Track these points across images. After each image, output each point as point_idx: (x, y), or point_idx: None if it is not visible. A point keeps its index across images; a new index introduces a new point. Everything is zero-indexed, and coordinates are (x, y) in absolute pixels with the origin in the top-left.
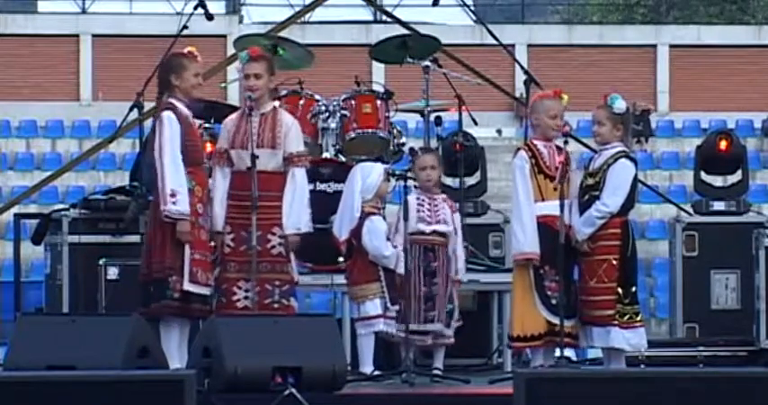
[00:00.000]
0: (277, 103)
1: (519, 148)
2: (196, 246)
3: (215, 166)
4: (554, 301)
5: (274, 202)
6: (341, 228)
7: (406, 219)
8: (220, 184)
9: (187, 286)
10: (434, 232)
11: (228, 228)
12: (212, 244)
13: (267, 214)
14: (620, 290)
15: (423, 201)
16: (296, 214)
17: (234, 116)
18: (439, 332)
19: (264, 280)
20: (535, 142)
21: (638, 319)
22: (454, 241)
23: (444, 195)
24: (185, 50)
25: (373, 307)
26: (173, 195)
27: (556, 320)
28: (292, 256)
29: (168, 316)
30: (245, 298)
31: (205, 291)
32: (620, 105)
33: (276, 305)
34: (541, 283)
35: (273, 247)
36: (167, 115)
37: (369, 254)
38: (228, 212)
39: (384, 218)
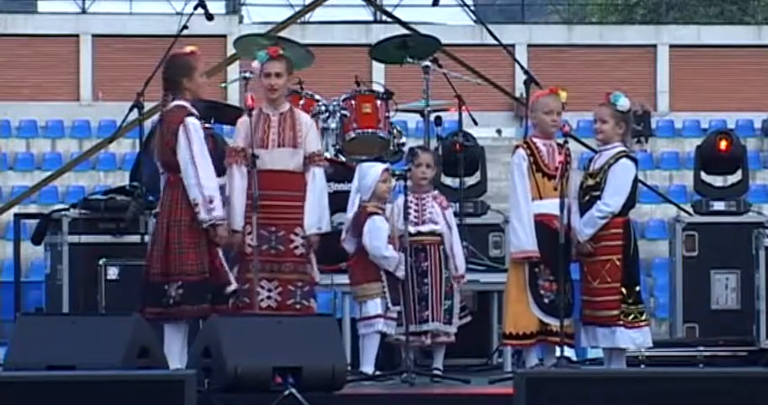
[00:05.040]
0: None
1: (518, 146)
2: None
3: (232, 164)
4: (546, 301)
5: (297, 202)
6: (344, 229)
7: (406, 218)
8: (238, 182)
9: (233, 286)
10: (420, 233)
11: (249, 227)
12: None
13: (290, 214)
14: (623, 290)
15: (410, 202)
16: (317, 214)
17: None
18: (436, 331)
19: (287, 281)
20: (534, 140)
21: (643, 318)
22: (449, 238)
23: (435, 192)
24: (188, 50)
25: (373, 306)
26: (210, 202)
27: (547, 320)
28: (313, 257)
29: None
30: (269, 298)
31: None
32: (623, 103)
33: (298, 306)
34: (535, 282)
35: (296, 247)
36: (192, 122)
37: (369, 254)
38: (247, 212)
39: (386, 219)
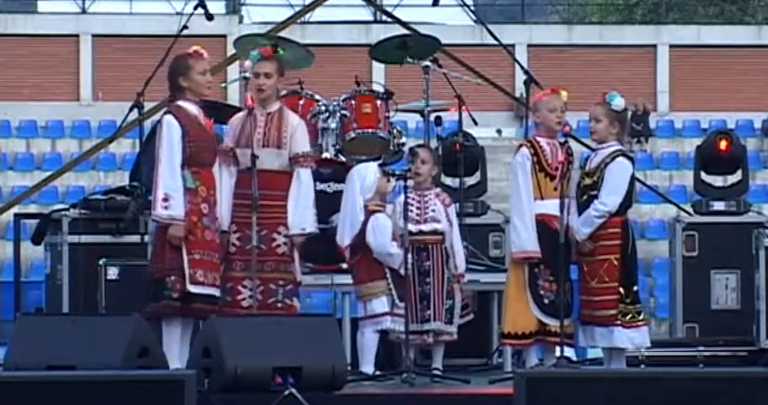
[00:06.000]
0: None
1: (521, 145)
2: (197, 246)
3: (221, 164)
4: (546, 301)
5: (280, 202)
6: (343, 234)
7: (405, 218)
8: (226, 182)
9: (189, 288)
10: (422, 231)
11: (234, 227)
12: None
13: (273, 213)
14: (621, 289)
15: (412, 199)
16: (301, 214)
17: (240, 115)
18: (437, 330)
19: (268, 279)
20: (538, 139)
21: (641, 317)
22: (450, 237)
23: (438, 189)
24: (191, 50)
25: (380, 305)
26: (165, 199)
27: (547, 320)
28: (297, 256)
29: (170, 315)
30: (250, 297)
31: (210, 291)
32: (618, 103)
33: (279, 305)
34: (535, 282)
35: (278, 246)
36: (166, 120)
37: (373, 252)
38: (234, 211)
39: (388, 216)
